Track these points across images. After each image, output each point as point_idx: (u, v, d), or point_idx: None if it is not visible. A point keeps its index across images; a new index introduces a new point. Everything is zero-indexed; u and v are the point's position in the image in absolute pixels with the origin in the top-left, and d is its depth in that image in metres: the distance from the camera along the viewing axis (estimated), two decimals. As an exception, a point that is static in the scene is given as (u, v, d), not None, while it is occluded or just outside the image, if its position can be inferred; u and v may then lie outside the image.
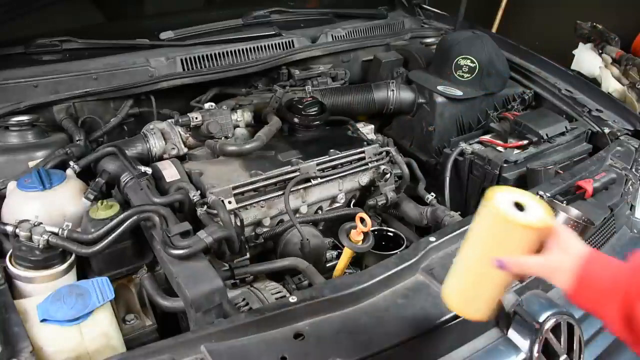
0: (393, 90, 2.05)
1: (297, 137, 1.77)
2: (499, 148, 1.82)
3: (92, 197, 1.37)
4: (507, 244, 0.87)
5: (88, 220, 1.30)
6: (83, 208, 1.37)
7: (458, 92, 1.97)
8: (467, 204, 1.87)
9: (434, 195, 1.74)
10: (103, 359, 1.01)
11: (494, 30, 4.42)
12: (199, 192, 1.42)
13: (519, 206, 0.87)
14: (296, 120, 1.75)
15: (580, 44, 3.88)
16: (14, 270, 1.21)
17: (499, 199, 0.87)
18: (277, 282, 1.42)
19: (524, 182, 1.73)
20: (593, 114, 1.98)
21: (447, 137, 1.97)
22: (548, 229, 0.87)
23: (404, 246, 1.54)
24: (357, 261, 1.53)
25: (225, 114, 1.70)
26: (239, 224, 1.42)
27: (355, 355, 1.02)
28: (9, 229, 1.22)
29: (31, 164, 1.49)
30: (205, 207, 1.39)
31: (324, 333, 1.06)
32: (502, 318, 1.16)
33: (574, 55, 3.84)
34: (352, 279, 1.19)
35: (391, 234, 1.60)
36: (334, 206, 1.69)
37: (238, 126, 1.77)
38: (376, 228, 1.60)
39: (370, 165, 1.69)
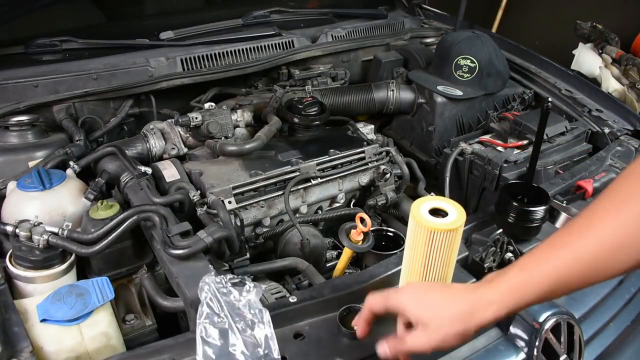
0: (393, 90, 2.05)
1: (297, 137, 1.77)
2: (499, 148, 1.82)
3: (92, 197, 1.37)
4: (430, 245, 0.97)
5: (88, 220, 1.30)
6: (83, 208, 1.37)
7: (458, 92, 1.97)
8: (467, 204, 1.87)
9: (434, 195, 1.74)
10: (103, 359, 1.01)
11: (494, 30, 4.42)
12: (199, 192, 1.42)
13: (440, 212, 0.98)
14: (296, 120, 1.75)
15: (580, 44, 3.88)
16: (14, 270, 1.21)
17: (420, 208, 0.99)
18: (277, 282, 1.42)
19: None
20: (593, 114, 1.98)
21: (447, 137, 1.97)
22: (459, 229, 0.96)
23: (403, 246, 1.54)
24: (357, 261, 1.53)
25: (225, 114, 1.70)
26: (239, 224, 1.42)
27: (355, 355, 1.02)
28: (9, 229, 1.22)
29: (31, 164, 1.49)
30: (205, 207, 1.39)
31: (324, 333, 1.06)
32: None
33: (574, 55, 3.84)
34: (352, 279, 1.19)
35: (391, 234, 1.60)
36: (334, 206, 1.69)
37: (238, 126, 1.77)
38: (376, 228, 1.60)
39: (370, 165, 1.69)
